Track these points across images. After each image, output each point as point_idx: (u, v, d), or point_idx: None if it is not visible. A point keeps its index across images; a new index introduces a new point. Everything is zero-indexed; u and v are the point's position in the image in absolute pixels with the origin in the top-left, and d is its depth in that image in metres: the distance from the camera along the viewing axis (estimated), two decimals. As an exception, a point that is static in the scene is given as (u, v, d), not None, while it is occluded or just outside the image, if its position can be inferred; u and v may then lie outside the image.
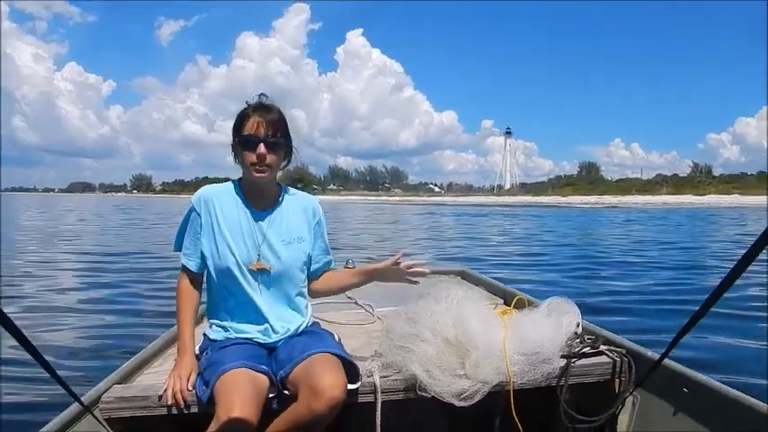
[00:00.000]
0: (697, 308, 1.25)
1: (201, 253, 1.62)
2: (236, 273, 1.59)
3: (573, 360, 1.67)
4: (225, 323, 1.64)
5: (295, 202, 1.71)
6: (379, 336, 1.87)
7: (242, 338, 1.60)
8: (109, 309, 5.62)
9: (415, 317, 1.64)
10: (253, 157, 1.54)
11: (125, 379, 1.65)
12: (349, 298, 2.71)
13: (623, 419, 1.70)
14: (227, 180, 1.71)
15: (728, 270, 1.04)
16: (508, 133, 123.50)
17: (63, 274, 8.32)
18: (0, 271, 7.67)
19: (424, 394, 1.53)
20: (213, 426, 1.30)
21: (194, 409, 1.48)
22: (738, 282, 1.04)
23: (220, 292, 1.65)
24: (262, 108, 1.58)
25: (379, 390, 1.55)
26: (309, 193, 1.83)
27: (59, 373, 1.11)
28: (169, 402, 1.47)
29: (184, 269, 1.65)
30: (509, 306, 2.22)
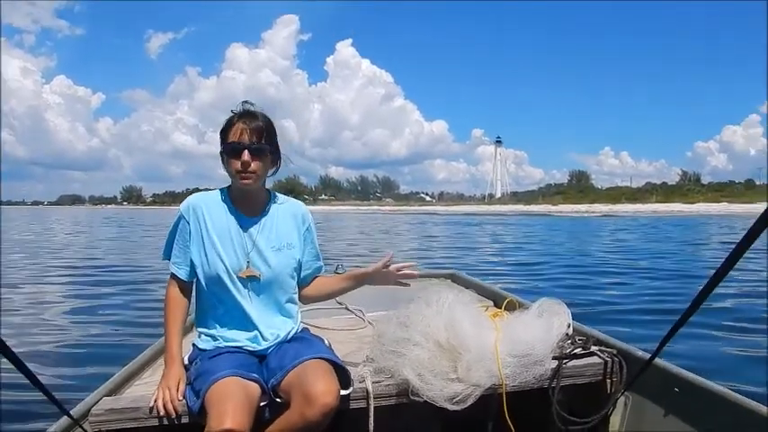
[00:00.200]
0: (686, 307, 1.26)
1: (191, 261, 1.61)
2: (226, 280, 1.58)
3: (564, 361, 1.67)
4: (214, 332, 1.63)
5: (284, 209, 1.70)
6: (370, 341, 1.86)
7: (232, 347, 1.59)
8: (96, 320, 5.56)
9: (407, 321, 1.64)
10: (238, 165, 1.54)
11: (114, 391, 1.63)
12: (339, 303, 2.69)
13: (615, 420, 1.70)
14: None
15: (715, 270, 1.06)
16: (498, 142, 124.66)
17: (50, 287, 8.23)
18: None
19: (417, 399, 1.53)
20: None
21: (185, 420, 1.46)
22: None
23: (209, 300, 1.64)
24: (247, 115, 1.58)
25: (371, 395, 1.54)
26: None
27: (47, 386, 1.09)
28: (160, 413, 1.45)
29: (173, 277, 1.63)
30: (499, 308, 2.22)
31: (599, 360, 1.72)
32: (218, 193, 1.66)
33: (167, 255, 1.65)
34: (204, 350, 1.60)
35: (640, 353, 1.70)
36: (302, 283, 1.76)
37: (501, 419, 1.57)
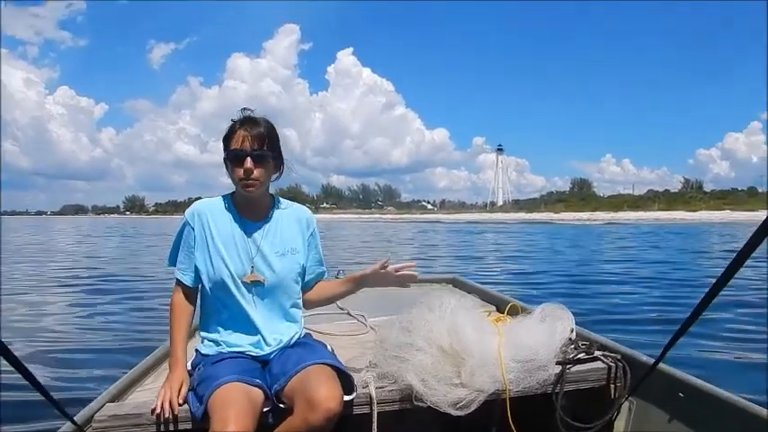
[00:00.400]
0: (689, 313, 1.26)
1: (195, 267, 1.62)
2: (230, 285, 1.59)
3: (568, 366, 1.67)
4: (217, 337, 1.63)
5: (289, 214, 1.71)
6: (372, 346, 1.86)
7: (235, 352, 1.59)
8: (100, 327, 5.58)
9: (409, 326, 1.64)
10: (240, 172, 1.55)
11: (117, 397, 1.63)
12: (341, 308, 2.69)
13: (619, 425, 1.69)
14: None
15: (718, 276, 1.06)
16: (500, 150, 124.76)
17: (54, 295, 8.25)
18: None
19: (421, 404, 1.52)
20: None
21: (188, 426, 1.46)
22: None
23: (214, 305, 1.64)
24: (248, 122, 1.58)
25: (374, 401, 1.54)
26: None
27: (50, 392, 1.10)
28: (165, 415, 1.44)
29: (179, 283, 1.64)
30: (502, 313, 2.22)
31: (603, 365, 1.71)
32: (222, 199, 1.67)
33: (173, 261, 1.66)
34: (207, 355, 1.60)
35: (644, 358, 1.69)
36: (305, 288, 1.76)
37: (504, 425, 1.56)
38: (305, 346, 1.64)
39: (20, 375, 0.94)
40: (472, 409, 1.50)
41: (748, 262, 1.02)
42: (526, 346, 1.59)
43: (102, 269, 11.90)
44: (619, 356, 1.73)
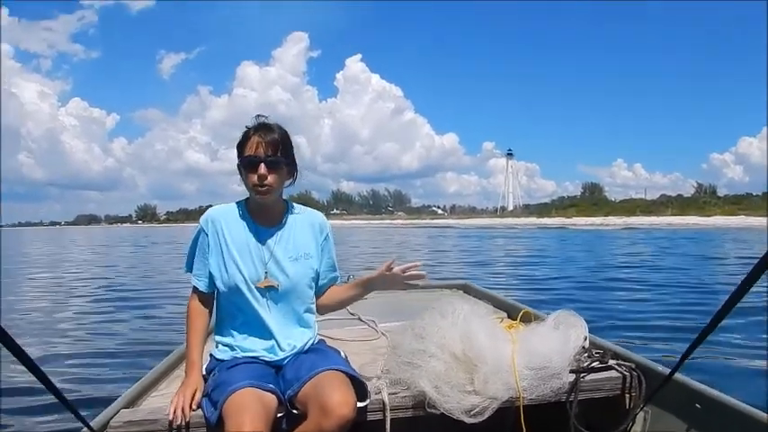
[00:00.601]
0: (707, 323, 1.25)
1: (210, 273, 1.64)
2: (245, 290, 1.60)
3: (582, 375, 1.65)
4: (231, 341, 1.65)
5: (302, 219, 1.72)
6: (384, 352, 1.86)
7: (249, 357, 1.60)
8: (114, 333, 5.66)
9: (422, 332, 1.64)
10: (254, 178, 1.56)
11: (132, 403, 1.65)
12: (352, 314, 2.69)
13: None
14: None
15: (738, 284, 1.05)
16: (510, 155, 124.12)
17: (69, 301, 8.37)
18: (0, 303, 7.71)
19: (434, 411, 1.52)
20: None
21: (203, 431, 1.47)
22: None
23: (228, 310, 1.66)
24: (262, 128, 1.60)
25: (387, 407, 1.54)
26: None
27: (68, 398, 1.12)
28: (177, 421, 1.45)
29: (195, 290, 1.67)
30: (514, 320, 2.20)
31: (617, 374, 1.69)
32: (236, 205, 1.69)
33: (189, 267, 1.68)
34: (222, 360, 1.62)
35: (660, 368, 1.67)
36: (318, 293, 1.77)
37: None
38: (318, 353, 1.64)
39: (35, 378, 0.95)
40: (486, 416, 1.49)
41: None
42: (540, 353, 1.58)
43: (115, 278, 12.05)
44: (633, 366, 1.71)
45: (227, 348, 1.65)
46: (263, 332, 1.63)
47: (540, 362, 1.57)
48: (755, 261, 1.01)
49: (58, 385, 1.04)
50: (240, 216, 1.66)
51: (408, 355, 1.61)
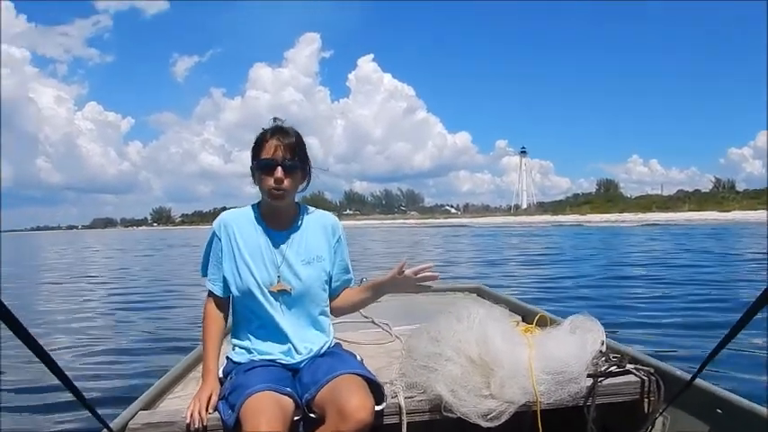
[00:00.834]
0: (730, 327, 1.22)
1: (224, 277, 1.65)
2: (258, 294, 1.61)
3: (600, 379, 1.63)
4: (248, 344, 1.65)
5: (314, 221, 1.72)
6: (399, 355, 1.86)
7: (266, 360, 1.61)
8: (132, 335, 5.73)
9: (438, 336, 1.63)
10: (270, 182, 1.57)
11: (150, 405, 1.67)
12: (366, 317, 2.69)
13: None
14: None
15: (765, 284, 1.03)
16: (523, 152, 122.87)
17: (88, 304, 8.50)
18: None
19: (450, 415, 1.51)
20: None
21: None
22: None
23: (243, 313, 1.67)
24: (279, 131, 1.60)
25: (404, 411, 1.54)
26: None
27: (87, 398, 1.13)
28: (195, 425, 1.47)
29: (210, 294, 1.68)
30: (529, 323, 2.19)
31: (635, 378, 1.67)
32: (249, 209, 1.70)
33: (204, 272, 1.70)
34: (239, 363, 1.63)
35: (679, 372, 1.64)
36: (331, 296, 1.77)
37: None
38: (334, 356, 1.65)
39: (57, 380, 0.97)
40: (503, 420, 1.48)
41: None
42: (557, 357, 1.56)
43: (134, 281, 12.21)
44: (652, 370, 1.69)
45: (243, 351, 1.66)
46: (279, 336, 1.63)
47: (557, 366, 1.55)
48: None
49: (78, 384, 1.05)
50: (253, 220, 1.67)
51: (424, 359, 1.60)
